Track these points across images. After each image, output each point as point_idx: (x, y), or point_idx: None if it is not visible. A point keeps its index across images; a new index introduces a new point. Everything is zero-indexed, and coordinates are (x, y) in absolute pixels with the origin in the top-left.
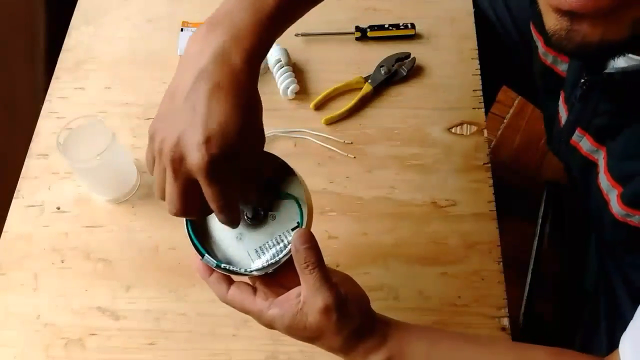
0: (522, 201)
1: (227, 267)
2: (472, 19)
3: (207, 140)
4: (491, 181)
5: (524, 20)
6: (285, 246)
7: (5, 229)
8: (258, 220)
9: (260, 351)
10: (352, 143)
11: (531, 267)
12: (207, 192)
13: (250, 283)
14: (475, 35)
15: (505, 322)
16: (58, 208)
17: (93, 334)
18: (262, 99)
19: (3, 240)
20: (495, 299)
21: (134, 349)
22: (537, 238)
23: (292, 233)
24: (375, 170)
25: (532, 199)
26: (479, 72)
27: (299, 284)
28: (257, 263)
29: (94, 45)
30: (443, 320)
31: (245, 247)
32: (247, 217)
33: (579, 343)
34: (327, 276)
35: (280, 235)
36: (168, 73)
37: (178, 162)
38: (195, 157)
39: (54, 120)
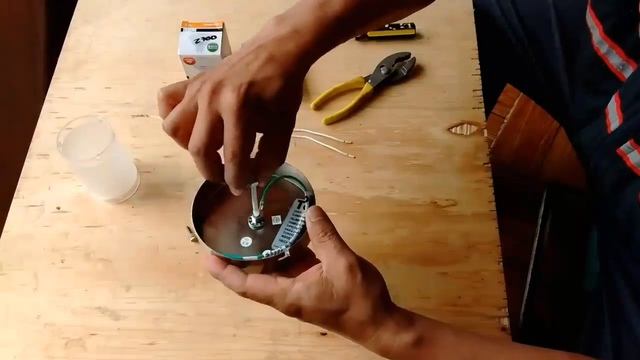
0: (522, 201)
1: (262, 255)
2: (472, 19)
3: (249, 85)
4: (491, 181)
5: (530, 16)
6: (302, 224)
7: (5, 229)
8: (262, 222)
9: (260, 351)
10: (352, 143)
11: (531, 267)
12: (229, 132)
13: None
14: (475, 35)
15: (505, 322)
16: (58, 208)
17: (93, 334)
18: None
19: (3, 240)
20: (495, 299)
21: (134, 349)
22: (537, 238)
23: (305, 210)
24: (375, 170)
25: (532, 199)
26: (479, 72)
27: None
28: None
29: (94, 45)
30: (443, 320)
31: (258, 248)
32: (253, 221)
33: (583, 344)
34: (344, 243)
35: (292, 218)
36: (168, 73)
37: (214, 96)
38: (232, 95)
39: (54, 120)
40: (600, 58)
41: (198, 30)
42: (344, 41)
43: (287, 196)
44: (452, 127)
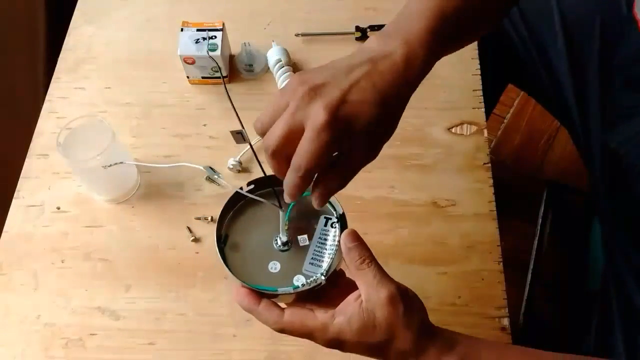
0: (522, 201)
1: (301, 283)
2: None
3: (342, 103)
4: (491, 181)
5: (533, 15)
6: (332, 245)
7: (5, 229)
8: (289, 244)
9: (260, 351)
10: None
11: (531, 267)
12: (304, 146)
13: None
14: None
15: (505, 322)
16: (58, 208)
17: (93, 334)
18: (262, 98)
19: (3, 240)
20: (495, 299)
21: (134, 349)
22: (537, 238)
23: (332, 228)
24: (375, 170)
25: (532, 199)
26: (479, 72)
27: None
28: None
29: (94, 45)
30: (443, 320)
31: (287, 273)
32: (279, 243)
33: (592, 344)
34: (384, 271)
35: (321, 238)
36: (168, 73)
37: (303, 103)
38: (321, 111)
39: (54, 120)
40: None
41: (198, 30)
42: (449, 52)
43: (312, 213)
44: (452, 127)
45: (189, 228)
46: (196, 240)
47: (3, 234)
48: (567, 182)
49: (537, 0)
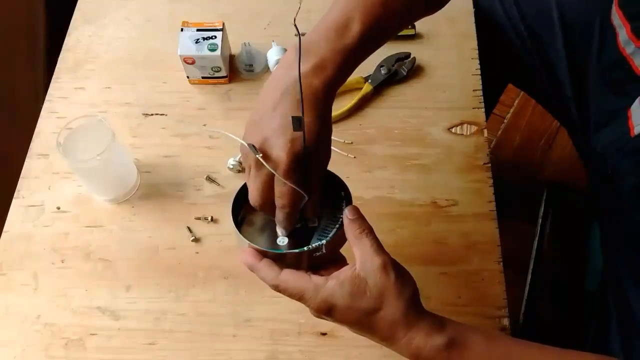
0: (522, 201)
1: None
2: (472, 19)
3: (292, 141)
4: (491, 181)
5: (532, 16)
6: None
7: (5, 229)
8: (299, 223)
9: (260, 351)
10: (352, 143)
11: (531, 267)
12: (279, 187)
13: None
14: (475, 35)
15: (505, 322)
16: (58, 208)
17: (93, 334)
18: None
19: (3, 240)
20: (495, 299)
21: (134, 349)
22: (537, 238)
23: (340, 211)
24: (375, 170)
25: (532, 199)
26: (479, 72)
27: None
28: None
29: (94, 45)
30: None
31: (294, 247)
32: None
33: (589, 344)
34: (380, 243)
35: (330, 219)
36: (168, 73)
37: (263, 158)
38: (280, 154)
39: (54, 120)
40: (625, 59)
41: (198, 30)
42: (361, 62)
43: (323, 197)
44: (452, 127)
45: (189, 228)
46: (196, 240)
47: (3, 234)
48: (567, 182)
49: (537, 0)
